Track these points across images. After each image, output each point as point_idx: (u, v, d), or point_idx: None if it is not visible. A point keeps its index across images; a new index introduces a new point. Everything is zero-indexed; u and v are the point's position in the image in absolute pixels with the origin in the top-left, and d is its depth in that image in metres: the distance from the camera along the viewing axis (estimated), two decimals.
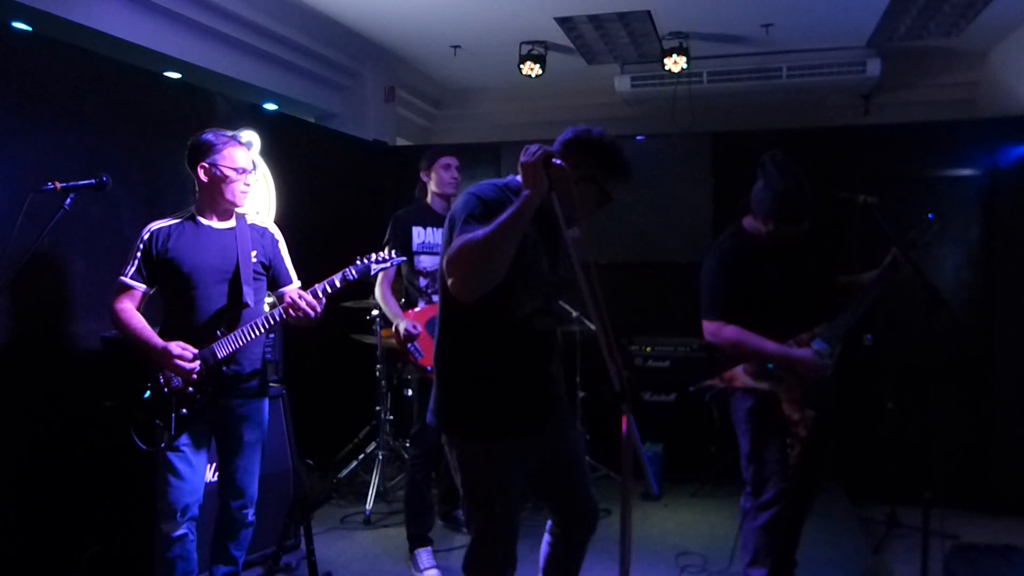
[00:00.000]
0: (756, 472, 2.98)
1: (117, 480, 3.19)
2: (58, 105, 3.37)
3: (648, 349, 5.23)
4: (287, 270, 3.04)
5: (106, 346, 3.30)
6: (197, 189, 2.88)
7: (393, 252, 2.90)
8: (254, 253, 2.91)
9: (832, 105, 6.54)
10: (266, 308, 3.01)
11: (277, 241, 3.04)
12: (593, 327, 1.82)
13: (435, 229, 3.82)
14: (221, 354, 2.78)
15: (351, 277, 2.79)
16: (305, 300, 2.74)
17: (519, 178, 2.10)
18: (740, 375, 3.00)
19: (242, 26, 4.89)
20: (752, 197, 2.99)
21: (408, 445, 4.37)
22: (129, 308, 2.79)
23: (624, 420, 1.77)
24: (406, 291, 3.85)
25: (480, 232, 2.03)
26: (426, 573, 3.60)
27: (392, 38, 5.87)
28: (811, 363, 2.89)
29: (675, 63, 5.63)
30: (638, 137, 5.71)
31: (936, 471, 3.21)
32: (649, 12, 5.22)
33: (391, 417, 4.88)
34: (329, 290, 2.79)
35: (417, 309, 3.75)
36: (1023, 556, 3.27)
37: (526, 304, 2.21)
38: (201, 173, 2.82)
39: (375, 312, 4.65)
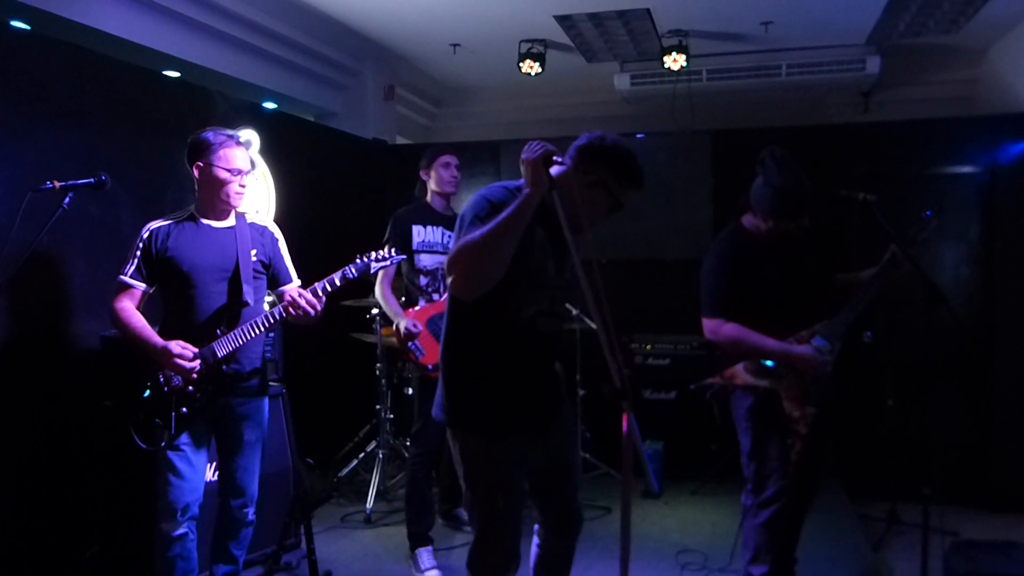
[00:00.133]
0: (757, 469, 2.98)
1: (117, 479, 3.19)
2: (57, 104, 3.37)
3: (648, 347, 5.23)
4: (287, 269, 3.04)
5: (105, 345, 3.30)
6: (196, 188, 2.88)
7: (393, 251, 2.90)
8: (254, 252, 2.91)
9: (832, 103, 6.54)
10: (266, 307, 3.01)
11: (277, 240, 3.04)
12: (594, 325, 1.82)
13: (435, 228, 3.82)
14: (221, 353, 2.78)
15: (351, 275, 2.80)
16: (305, 299, 2.74)
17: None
18: (740, 373, 3.00)
19: (241, 25, 4.88)
20: (751, 194, 2.99)
21: (408, 444, 4.37)
22: (129, 307, 2.78)
23: (624, 418, 1.78)
24: (406, 289, 3.85)
25: (479, 231, 2.04)
26: (427, 573, 3.60)
27: (392, 36, 5.87)
28: (811, 360, 2.89)
29: (675, 61, 5.63)
30: (638, 135, 5.71)
31: (936, 468, 3.21)
32: (648, 10, 5.22)
33: (391, 416, 4.88)
34: (329, 288, 2.79)
35: (417, 308, 3.74)
36: (1023, 553, 3.27)
37: (531, 305, 2.22)
38: (197, 172, 2.83)
39: (375, 311, 4.65)
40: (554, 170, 2.06)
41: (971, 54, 6.08)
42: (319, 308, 2.77)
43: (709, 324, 2.98)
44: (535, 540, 2.50)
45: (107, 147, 3.58)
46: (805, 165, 2.93)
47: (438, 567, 3.64)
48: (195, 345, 2.75)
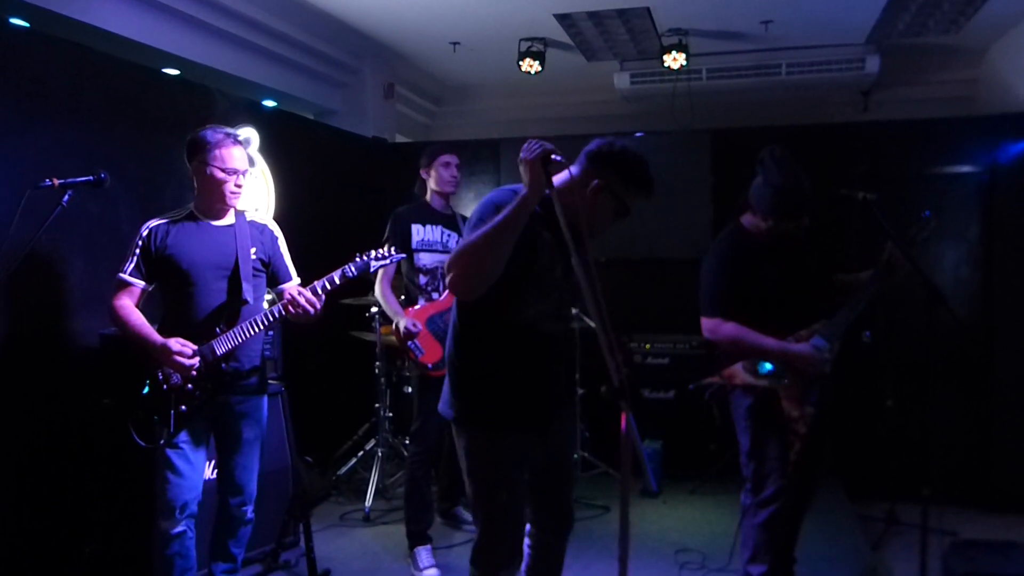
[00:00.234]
0: (756, 469, 2.99)
1: (116, 477, 3.19)
2: (56, 102, 3.36)
3: (648, 346, 5.23)
4: (286, 267, 3.04)
5: (104, 343, 3.30)
6: (195, 186, 2.88)
7: (393, 249, 2.90)
8: (253, 250, 2.91)
9: (831, 102, 6.54)
10: (265, 305, 3.01)
11: (276, 238, 3.04)
12: (592, 324, 1.83)
13: (434, 227, 3.81)
14: (220, 351, 2.78)
15: (350, 274, 2.79)
16: (304, 297, 2.74)
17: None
18: (739, 372, 2.99)
19: (241, 22, 4.88)
20: (751, 193, 2.99)
21: (408, 442, 4.37)
22: (128, 305, 2.78)
23: (623, 417, 1.78)
24: (406, 288, 3.85)
25: (477, 232, 2.07)
26: (425, 572, 3.60)
27: (391, 34, 5.86)
28: (810, 359, 2.89)
29: (674, 60, 5.62)
30: (637, 134, 5.70)
31: (935, 468, 3.21)
32: (648, 9, 5.22)
33: (390, 414, 4.88)
34: (328, 287, 2.79)
35: (417, 307, 3.74)
36: (1021, 552, 3.27)
37: (535, 307, 2.24)
38: (194, 171, 2.83)
39: (374, 309, 4.65)
40: (556, 180, 2.07)
41: (971, 54, 6.08)
42: (319, 306, 2.77)
43: (708, 323, 2.98)
44: (526, 540, 2.50)
45: (107, 145, 3.58)
46: (804, 164, 2.93)
47: (436, 566, 3.64)
48: (194, 343, 2.75)
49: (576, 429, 2.50)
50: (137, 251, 2.79)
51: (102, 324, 3.25)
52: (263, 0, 4.90)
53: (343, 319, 4.95)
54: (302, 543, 3.61)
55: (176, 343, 2.71)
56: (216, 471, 3.07)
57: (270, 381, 3.25)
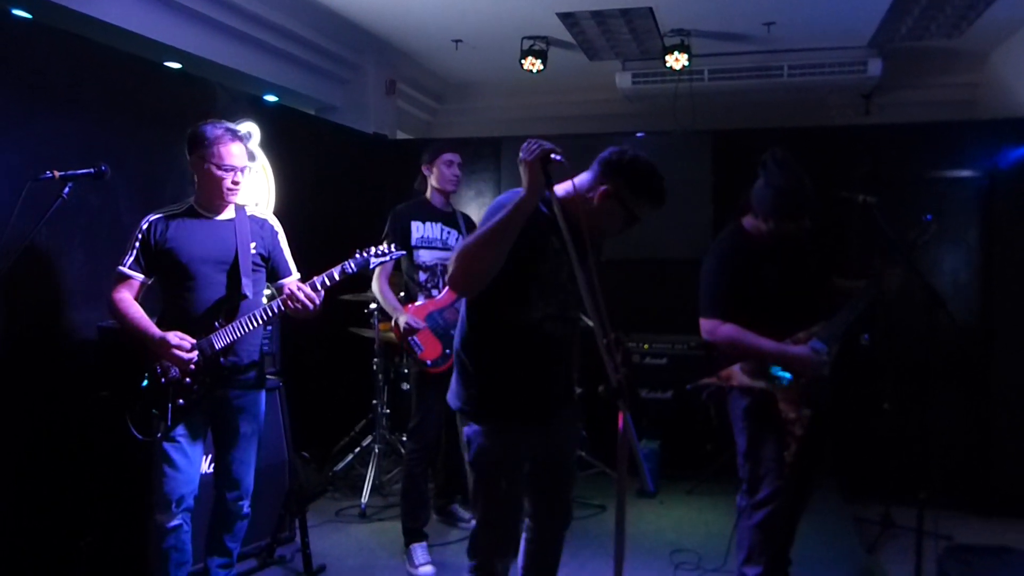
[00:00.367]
0: (752, 470, 2.99)
1: (113, 470, 3.19)
2: (57, 94, 3.36)
3: (646, 346, 5.23)
4: (286, 262, 3.04)
5: (103, 336, 3.30)
6: (195, 180, 2.87)
7: (392, 246, 2.90)
8: (253, 244, 2.91)
9: (833, 104, 6.54)
10: (264, 300, 3.01)
11: (276, 233, 3.03)
12: (591, 323, 1.84)
13: (433, 224, 3.81)
14: (219, 345, 2.78)
15: (350, 270, 2.79)
16: (304, 292, 2.74)
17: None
18: (737, 374, 3.00)
19: (243, 17, 4.87)
20: (753, 195, 2.99)
21: (405, 439, 4.37)
22: (127, 298, 2.78)
23: (620, 417, 1.78)
24: (405, 285, 3.85)
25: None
26: (421, 568, 3.60)
27: (393, 31, 5.86)
28: (808, 361, 2.90)
29: (676, 60, 5.62)
30: (638, 134, 5.70)
31: (932, 471, 3.22)
32: (651, 9, 5.21)
33: (388, 411, 4.88)
34: (328, 283, 2.79)
35: (417, 303, 3.74)
36: (1017, 558, 3.28)
37: (540, 309, 2.29)
38: (193, 166, 2.82)
39: (373, 305, 4.65)
40: (566, 185, 2.09)
41: (973, 58, 6.08)
42: (318, 302, 2.77)
43: (706, 324, 2.98)
44: (524, 535, 2.56)
45: (107, 137, 3.57)
46: (805, 166, 2.93)
47: (432, 563, 3.64)
48: (193, 337, 2.75)
49: (579, 429, 2.55)
50: (137, 244, 2.79)
51: (101, 317, 3.25)
52: None
53: (342, 315, 4.95)
54: (298, 538, 3.62)
55: (174, 337, 2.71)
56: (213, 465, 3.07)
57: (268, 376, 3.25)
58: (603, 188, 2.25)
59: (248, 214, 2.97)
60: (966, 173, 4.84)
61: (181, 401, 2.76)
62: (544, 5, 5.18)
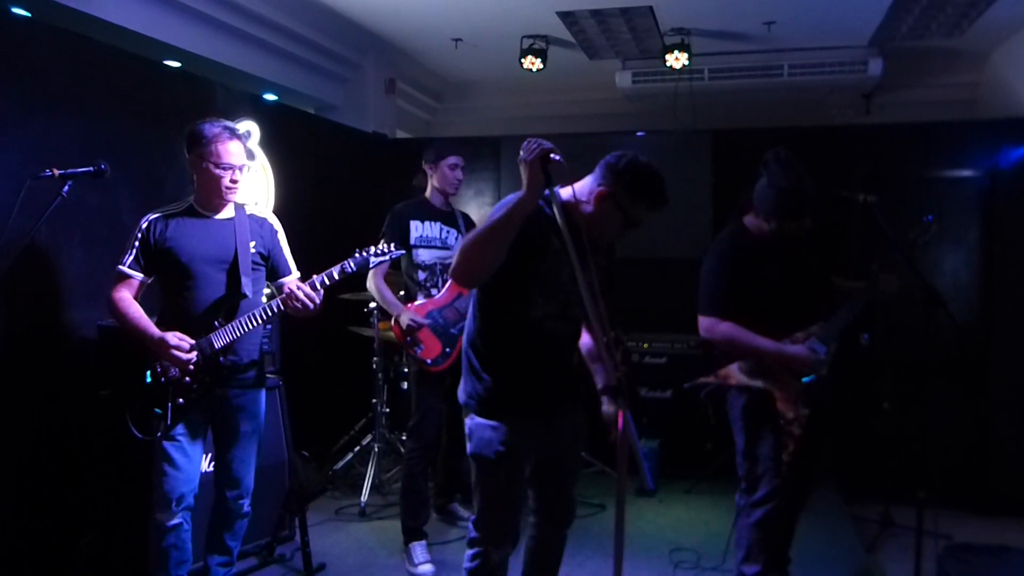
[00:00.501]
0: (750, 469, 2.99)
1: (113, 469, 3.19)
2: (57, 92, 3.36)
3: (645, 345, 5.23)
4: (286, 261, 3.04)
5: (103, 335, 3.30)
6: (194, 179, 2.87)
7: (392, 245, 2.90)
8: (253, 243, 2.91)
9: (833, 104, 6.53)
10: (264, 299, 3.01)
11: (276, 232, 3.03)
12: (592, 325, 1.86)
13: (433, 223, 3.81)
14: (218, 344, 2.78)
15: (350, 270, 2.79)
16: (304, 291, 2.74)
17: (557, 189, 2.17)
18: (735, 373, 3.00)
19: (243, 15, 4.87)
20: (755, 195, 2.99)
21: (404, 438, 4.37)
22: (127, 297, 2.78)
23: (620, 416, 1.78)
24: (405, 285, 3.85)
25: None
26: (420, 567, 3.60)
27: (393, 30, 5.85)
28: (806, 361, 2.90)
29: (677, 59, 5.62)
30: (638, 133, 5.70)
31: (931, 470, 3.22)
32: (651, 8, 5.21)
33: (387, 410, 4.88)
34: (328, 282, 2.78)
35: (417, 302, 3.74)
36: (1016, 557, 3.28)
37: (540, 308, 2.32)
38: (190, 163, 2.82)
39: (373, 304, 4.65)
40: (562, 194, 2.13)
41: (973, 58, 6.08)
42: (317, 301, 2.77)
43: (705, 322, 2.98)
44: (527, 531, 2.60)
45: (107, 136, 3.57)
46: (805, 166, 2.93)
47: (431, 561, 3.64)
48: (193, 336, 2.75)
49: (583, 427, 2.58)
50: (136, 243, 2.79)
51: (101, 315, 3.25)
52: None
53: (341, 314, 4.95)
54: (298, 537, 3.62)
55: (173, 337, 2.71)
56: (213, 464, 3.06)
57: (268, 375, 3.25)
58: (600, 190, 2.28)
59: (248, 213, 2.97)
60: (966, 173, 4.84)
61: (181, 400, 2.76)
62: (544, 4, 5.18)
